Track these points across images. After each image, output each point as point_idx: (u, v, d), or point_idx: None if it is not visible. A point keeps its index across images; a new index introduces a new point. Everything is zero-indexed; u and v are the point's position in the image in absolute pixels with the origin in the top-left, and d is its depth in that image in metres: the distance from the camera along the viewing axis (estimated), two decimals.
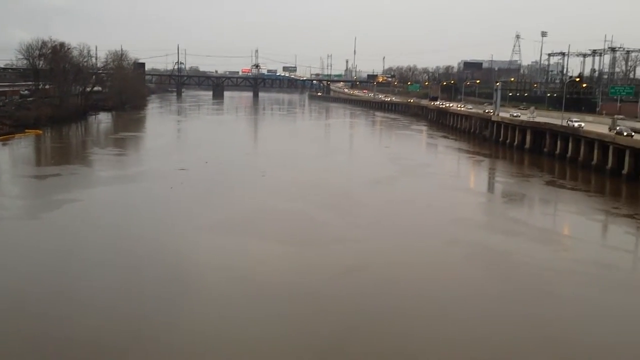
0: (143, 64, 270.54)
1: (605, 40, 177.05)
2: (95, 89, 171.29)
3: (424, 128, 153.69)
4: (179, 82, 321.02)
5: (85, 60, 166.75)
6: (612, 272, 37.80)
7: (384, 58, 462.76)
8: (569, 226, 52.27)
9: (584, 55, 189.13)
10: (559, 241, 46.49)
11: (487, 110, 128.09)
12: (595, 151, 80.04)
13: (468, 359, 25.60)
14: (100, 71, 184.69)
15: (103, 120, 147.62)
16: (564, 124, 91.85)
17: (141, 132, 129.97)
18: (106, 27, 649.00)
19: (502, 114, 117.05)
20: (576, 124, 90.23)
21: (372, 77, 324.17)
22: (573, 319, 30.13)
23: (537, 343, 27.11)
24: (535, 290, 33.94)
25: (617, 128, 79.18)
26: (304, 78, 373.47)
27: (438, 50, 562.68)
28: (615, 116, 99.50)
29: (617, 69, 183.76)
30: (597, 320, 30.34)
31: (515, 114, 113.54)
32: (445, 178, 74.82)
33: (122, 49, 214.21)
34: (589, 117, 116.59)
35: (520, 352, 26.39)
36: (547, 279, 35.82)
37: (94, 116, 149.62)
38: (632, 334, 28.88)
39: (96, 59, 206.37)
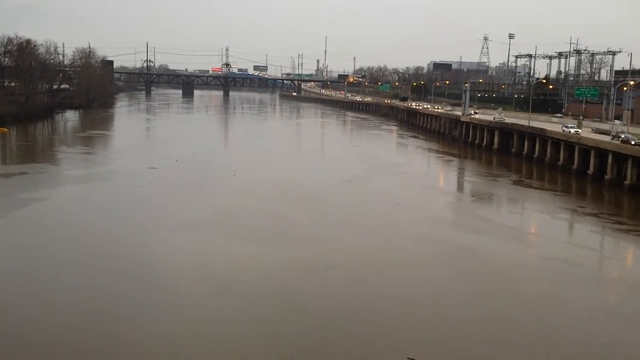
0: (111, 62, 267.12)
1: (571, 43, 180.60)
2: (62, 86, 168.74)
3: (394, 128, 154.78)
4: (148, 80, 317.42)
5: (52, 57, 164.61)
6: (576, 268, 38.62)
7: (354, 58, 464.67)
8: (535, 224, 53.25)
9: (550, 58, 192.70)
10: (526, 239, 47.37)
11: (474, 112, 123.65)
12: (562, 151, 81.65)
13: (436, 354, 25.95)
14: (68, 69, 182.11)
15: (70, 118, 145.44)
16: (562, 130, 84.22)
17: (109, 130, 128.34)
18: (74, 24, 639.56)
19: (486, 117, 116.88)
20: (572, 130, 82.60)
21: (343, 77, 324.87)
22: (537, 313, 30.73)
23: (503, 338, 27.66)
24: (502, 286, 34.62)
25: (622, 136, 72.13)
26: (275, 77, 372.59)
27: (408, 50, 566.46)
28: (581, 117, 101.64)
29: (582, 71, 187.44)
30: (559, 314, 30.91)
31: (499, 117, 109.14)
32: (415, 177, 75.53)
33: (89, 47, 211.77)
34: (555, 118, 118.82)
35: (486, 347, 26.84)
36: (513, 275, 36.53)
37: (60, 114, 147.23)
38: (590, 327, 29.64)
39: (63, 56, 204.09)
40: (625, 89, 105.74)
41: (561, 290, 34.25)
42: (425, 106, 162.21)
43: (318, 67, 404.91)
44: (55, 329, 26.79)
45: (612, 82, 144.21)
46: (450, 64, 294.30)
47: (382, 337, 27.19)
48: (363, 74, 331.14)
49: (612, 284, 37.49)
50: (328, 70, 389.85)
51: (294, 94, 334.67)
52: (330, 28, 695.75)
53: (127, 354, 24.93)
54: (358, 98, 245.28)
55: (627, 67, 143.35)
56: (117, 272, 34.21)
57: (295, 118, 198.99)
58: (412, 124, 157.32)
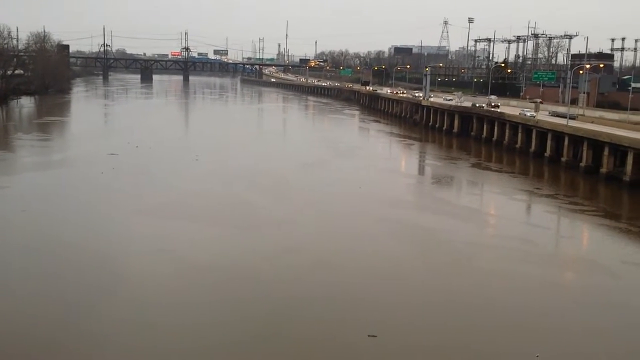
0: (67, 46, 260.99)
1: (528, 27, 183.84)
2: (17, 72, 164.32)
3: (356, 112, 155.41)
4: (105, 65, 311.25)
5: (5, 42, 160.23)
6: (529, 246, 39.81)
7: (316, 42, 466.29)
8: (493, 205, 54.47)
9: (509, 42, 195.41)
10: (483, 219, 48.46)
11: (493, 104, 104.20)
12: (520, 134, 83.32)
13: (396, 330, 26.55)
14: (22, 54, 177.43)
15: (26, 104, 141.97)
16: None
17: (67, 116, 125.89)
18: (28, 7, 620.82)
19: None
20: None
21: (304, 61, 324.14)
22: (492, 289, 31.77)
23: (459, 312, 28.49)
24: (460, 264, 35.59)
25: (527, 114, 71.58)
26: (236, 62, 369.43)
27: (369, 34, 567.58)
28: (538, 100, 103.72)
29: (539, 55, 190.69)
30: (509, 289, 32.00)
31: (459, 101, 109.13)
32: (377, 161, 76.24)
33: (44, 31, 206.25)
34: (514, 102, 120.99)
35: (443, 322, 27.60)
36: (470, 254, 37.60)
37: (15, 100, 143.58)
38: (539, 300, 30.65)
39: (17, 40, 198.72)
40: (581, 72, 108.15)
41: (515, 267, 35.38)
42: (416, 94, 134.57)
43: (279, 51, 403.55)
44: (12, 318, 26.45)
45: (569, 66, 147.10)
46: (411, 48, 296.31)
47: (344, 316, 27.69)
48: (325, 58, 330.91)
49: (564, 261, 38.57)
50: (289, 54, 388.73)
51: (252, 78, 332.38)
52: (291, 11, 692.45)
53: (85, 342, 24.77)
54: (325, 84, 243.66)
55: (583, 51, 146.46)
56: (78, 259, 33.89)
57: (257, 103, 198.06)
58: (374, 108, 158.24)
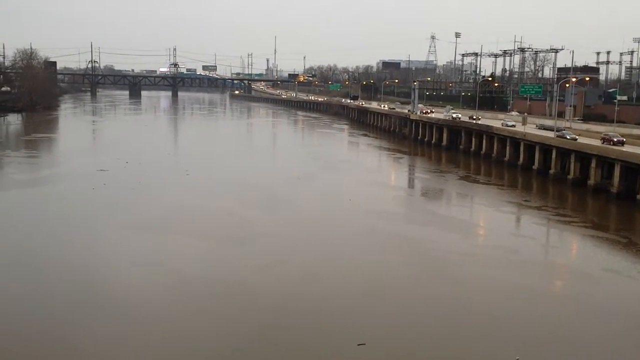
0: (54, 63, 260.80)
1: (515, 41, 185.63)
2: (4, 89, 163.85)
3: (345, 127, 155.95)
4: (93, 81, 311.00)
5: None
6: (516, 256, 40.18)
7: (304, 57, 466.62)
8: (481, 217, 54.77)
9: (496, 56, 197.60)
10: (472, 230, 48.74)
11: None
12: (508, 148, 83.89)
13: (384, 338, 26.60)
14: (9, 70, 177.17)
15: (13, 121, 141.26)
16: None
17: (55, 133, 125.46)
18: (15, 24, 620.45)
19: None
20: None
21: (293, 76, 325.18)
22: (473, 297, 32.09)
23: (447, 320, 28.81)
24: (447, 273, 36.05)
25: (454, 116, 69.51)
26: (225, 77, 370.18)
27: (357, 49, 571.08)
28: (525, 114, 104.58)
29: (526, 69, 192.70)
30: (495, 297, 32.38)
31: (448, 115, 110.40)
32: (366, 174, 76.43)
33: (31, 47, 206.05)
34: (501, 115, 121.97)
35: (426, 329, 27.88)
36: (456, 264, 37.88)
37: (2, 118, 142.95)
38: (523, 309, 30.96)
39: (4, 57, 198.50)
40: (567, 85, 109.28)
41: (501, 276, 35.84)
42: (430, 111, 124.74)
43: (268, 66, 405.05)
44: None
45: (555, 79, 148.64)
46: (399, 63, 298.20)
47: (334, 326, 27.82)
48: (313, 73, 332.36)
49: (549, 270, 38.71)
50: (278, 69, 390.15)
51: (241, 93, 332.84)
52: (279, 27, 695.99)
53: (72, 357, 24.74)
54: (321, 99, 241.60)
55: (569, 64, 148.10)
56: (69, 274, 33.79)
57: (246, 118, 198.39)
58: (363, 122, 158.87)
